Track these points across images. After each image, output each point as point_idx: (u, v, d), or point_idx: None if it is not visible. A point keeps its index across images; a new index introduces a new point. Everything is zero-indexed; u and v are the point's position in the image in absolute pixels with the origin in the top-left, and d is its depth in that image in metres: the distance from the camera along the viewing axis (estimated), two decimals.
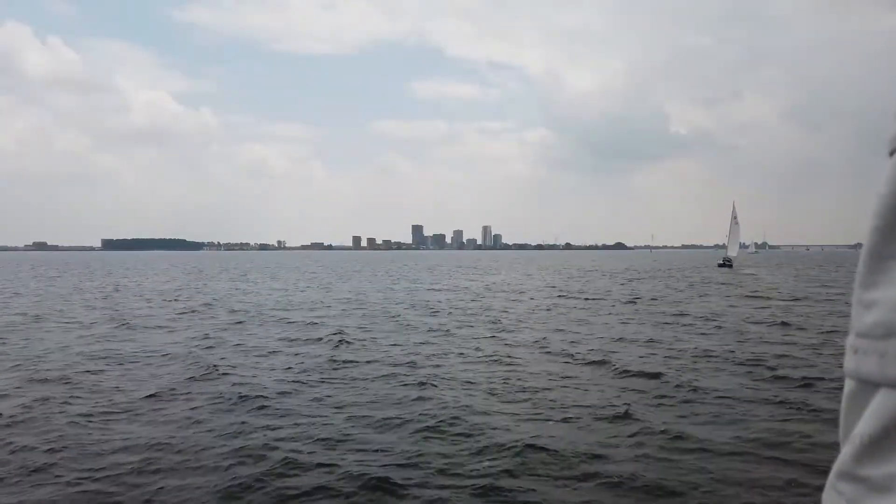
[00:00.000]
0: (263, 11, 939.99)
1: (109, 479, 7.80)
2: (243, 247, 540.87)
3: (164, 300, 34.65)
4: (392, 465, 8.10)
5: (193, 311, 27.65)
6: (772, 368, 13.94)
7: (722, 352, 16.04)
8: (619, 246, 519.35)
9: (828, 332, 19.69)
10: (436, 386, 12.28)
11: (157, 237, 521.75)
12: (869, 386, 0.60)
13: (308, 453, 8.55)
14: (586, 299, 33.51)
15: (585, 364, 14.46)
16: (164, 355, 16.32)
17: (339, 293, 39.94)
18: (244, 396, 11.60)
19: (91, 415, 10.55)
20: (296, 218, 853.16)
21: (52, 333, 20.81)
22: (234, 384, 12.75)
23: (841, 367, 0.63)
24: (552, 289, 43.36)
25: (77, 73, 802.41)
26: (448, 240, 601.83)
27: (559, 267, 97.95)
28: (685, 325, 21.97)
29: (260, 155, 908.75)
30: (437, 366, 14.39)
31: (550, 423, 9.87)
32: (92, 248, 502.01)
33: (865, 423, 0.59)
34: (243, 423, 9.96)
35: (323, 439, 9.13)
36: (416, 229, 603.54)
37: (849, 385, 0.63)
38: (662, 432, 9.10)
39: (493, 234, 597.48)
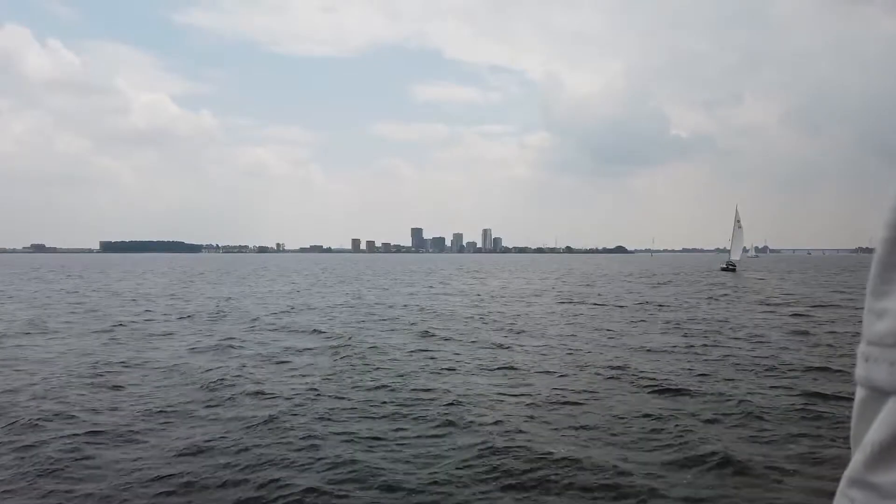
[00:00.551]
0: (263, 14, 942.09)
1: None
2: (242, 249, 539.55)
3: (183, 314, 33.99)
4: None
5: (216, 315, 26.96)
6: (801, 378, 13.37)
7: (750, 362, 15.34)
8: (620, 249, 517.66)
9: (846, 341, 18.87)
10: (463, 405, 11.23)
11: (155, 239, 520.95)
12: (880, 394, 0.60)
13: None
14: (599, 305, 32.69)
15: (620, 378, 13.55)
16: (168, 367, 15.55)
17: (348, 298, 39.19)
18: (266, 413, 10.81)
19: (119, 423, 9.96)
20: (295, 220, 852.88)
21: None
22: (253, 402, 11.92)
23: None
24: (561, 293, 42.59)
25: (77, 75, 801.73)
26: (448, 243, 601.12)
27: (563, 271, 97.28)
28: (703, 332, 21.17)
29: (259, 157, 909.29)
30: (463, 382, 13.25)
31: (593, 443, 9.08)
32: (90, 251, 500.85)
33: (876, 431, 0.59)
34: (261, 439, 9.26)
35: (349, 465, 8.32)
36: (416, 232, 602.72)
37: (860, 393, 0.64)
38: (733, 460, 8.30)
39: (493, 237, 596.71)
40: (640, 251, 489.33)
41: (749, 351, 17.06)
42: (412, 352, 16.89)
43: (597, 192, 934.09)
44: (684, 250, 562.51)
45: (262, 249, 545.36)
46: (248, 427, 9.73)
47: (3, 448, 9.06)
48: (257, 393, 12.05)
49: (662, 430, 9.42)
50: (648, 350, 17.37)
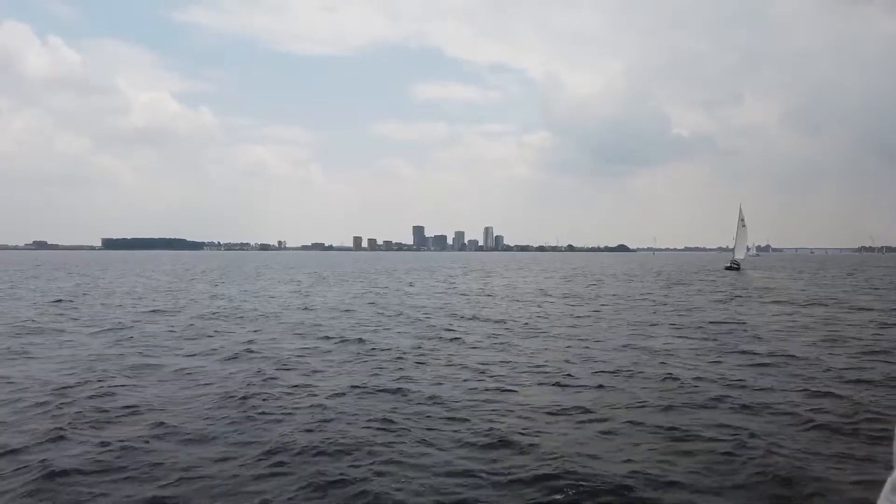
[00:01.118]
0: (263, 13, 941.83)
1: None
2: (244, 247, 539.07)
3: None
4: None
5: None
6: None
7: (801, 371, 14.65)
8: (622, 248, 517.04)
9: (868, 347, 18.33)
10: (502, 422, 10.86)
11: (157, 237, 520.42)
12: None
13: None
14: (621, 307, 32.03)
15: (675, 390, 12.85)
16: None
17: (361, 298, 39.01)
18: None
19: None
20: (296, 218, 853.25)
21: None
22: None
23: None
24: (576, 294, 42.16)
25: (78, 73, 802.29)
26: (449, 241, 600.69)
27: (568, 269, 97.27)
28: (739, 337, 20.32)
29: (260, 156, 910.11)
30: (496, 392, 12.79)
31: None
32: (92, 248, 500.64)
33: None
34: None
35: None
36: (417, 230, 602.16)
37: None
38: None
39: (494, 235, 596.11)
40: (642, 250, 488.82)
41: (790, 357, 16.41)
42: (457, 367, 15.60)
43: (598, 191, 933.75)
44: (686, 249, 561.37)
45: (264, 247, 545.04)
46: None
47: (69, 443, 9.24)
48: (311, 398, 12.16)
49: (734, 455, 8.83)
50: (691, 357, 16.65)
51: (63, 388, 12.70)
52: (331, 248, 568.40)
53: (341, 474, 7.99)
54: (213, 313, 27.78)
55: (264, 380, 13.58)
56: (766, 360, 16.02)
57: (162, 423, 10.20)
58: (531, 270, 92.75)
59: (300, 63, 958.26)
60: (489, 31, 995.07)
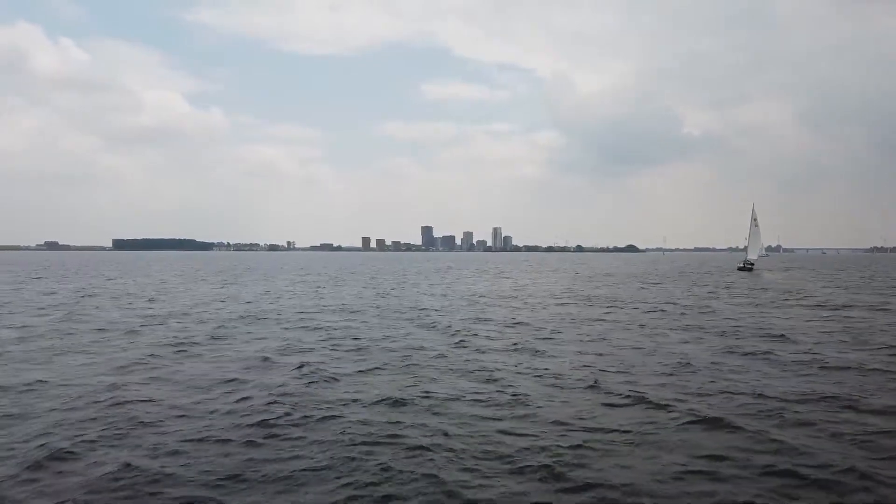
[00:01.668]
0: (269, 12, 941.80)
1: None
2: (252, 247, 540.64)
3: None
4: None
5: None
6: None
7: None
8: (631, 248, 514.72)
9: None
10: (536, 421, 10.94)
11: (167, 237, 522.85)
12: None
13: None
14: (640, 310, 31.30)
15: (731, 405, 12.04)
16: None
17: (385, 301, 38.93)
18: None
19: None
20: (305, 218, 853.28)
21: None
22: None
23: None
24: (599, 297, 41.69)
25: (87, 73, 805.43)
26: (458, 241, 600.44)
27: (581, 271, 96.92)
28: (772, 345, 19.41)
29: (268, 156, 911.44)
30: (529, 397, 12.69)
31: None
32: (103, 248, 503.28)
33: None
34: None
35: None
36: (426, 230, 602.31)
37: None
38: None
39: (503, 235, 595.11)
40: (652, 250, 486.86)
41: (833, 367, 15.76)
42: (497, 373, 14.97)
43: (607, 191, 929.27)
44: (696, 249, 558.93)
45: (273, 247, 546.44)
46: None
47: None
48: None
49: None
50: (735, 365, 16.12)
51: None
52: (339, 248, 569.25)
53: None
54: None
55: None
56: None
57: None
58: (548, 271, 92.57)
59: (306, 62, 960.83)
60: (496, 31, 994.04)
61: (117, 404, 11.73)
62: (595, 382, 13.78)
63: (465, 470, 8.51)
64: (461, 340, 20.10)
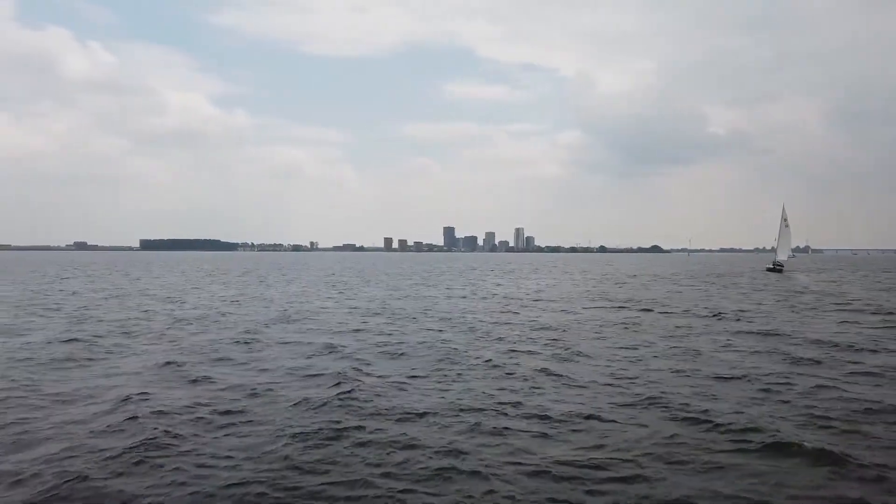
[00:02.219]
0: (293, 14, 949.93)
1: None
2: (276, 247, 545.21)
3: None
4: None
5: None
6: None
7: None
8: (656, 249, 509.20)
9: None
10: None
11: (192, 237, 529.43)
12: None
13: None
14: (666, 314, 30.55)
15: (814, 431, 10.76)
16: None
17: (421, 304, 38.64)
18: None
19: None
20: (327, 219, 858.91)
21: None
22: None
23: None
24: (630, 300, 41.08)
25: (115, 76, 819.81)
26: (480, 242, 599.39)
27: (607, 272, 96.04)
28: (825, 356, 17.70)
29: (292, 157, 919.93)
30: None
31: None
32: (130, 248, 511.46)
33: None
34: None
35: None
36: (448, 231, 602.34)
37: None
38: None
39: (525, 236, 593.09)
40: (677, 251, 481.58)
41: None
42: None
43: (630, 190, 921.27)
44: (722, 250, 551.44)
45: (297, 248, 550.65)
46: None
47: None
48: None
49: None
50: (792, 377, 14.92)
51: None
52: (362, 248, 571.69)
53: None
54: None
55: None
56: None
57: None
58: (578, 272, 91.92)
59: (329, 64, 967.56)
60: (518, 31, 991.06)
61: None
62: (686, 409, 11.95)
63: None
64: (510, 349, 19.20)
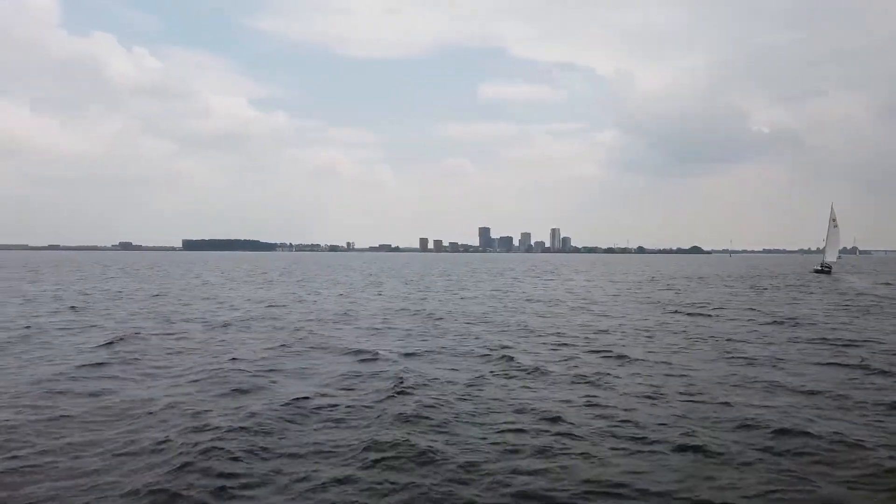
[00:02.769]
0: (330, 18, 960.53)
1: None
2: (314, 248, 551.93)
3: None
4: None
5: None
6: None
7: None
8: (696, 250, 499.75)
9: None
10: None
11: (233, 238, 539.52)
12: None
13: None
14: (721, 318, 29.48)
15: None
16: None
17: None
18: None
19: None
20: (364, 220, 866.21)
21: None
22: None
23: None
24: (679, 304, 40.21)
25: (160, 80, 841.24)
26: (515, 242, 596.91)
27: (651, 273, 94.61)
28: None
29: (329, 158, 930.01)
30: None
31: None
32: (173, 248, 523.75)
33: None
34: None
35: None
36: (483, 231, 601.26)
37: None
38: None
39: (561, 236, 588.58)
40: (718, 251, 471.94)
41: None
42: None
43: (669, 190, 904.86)
44: (765, 251, 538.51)
45: (333, 248, 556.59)
46: None
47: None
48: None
49: None
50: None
51: None
52: (397, 249, 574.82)
53: None
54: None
55: None
56: None
57: None
58: (621, 273, 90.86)
59: (366, 65, 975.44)
60: (555, 30, 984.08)
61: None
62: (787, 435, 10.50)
63: None
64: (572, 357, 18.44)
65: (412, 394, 13.02)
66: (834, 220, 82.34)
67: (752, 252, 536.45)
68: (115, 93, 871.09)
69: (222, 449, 9.37)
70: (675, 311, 32.05)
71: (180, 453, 9.21)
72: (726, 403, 12.55)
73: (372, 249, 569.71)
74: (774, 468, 9.01)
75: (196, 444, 9.54)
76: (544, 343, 20.85)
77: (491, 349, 19.16)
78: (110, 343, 19.73)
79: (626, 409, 12.09)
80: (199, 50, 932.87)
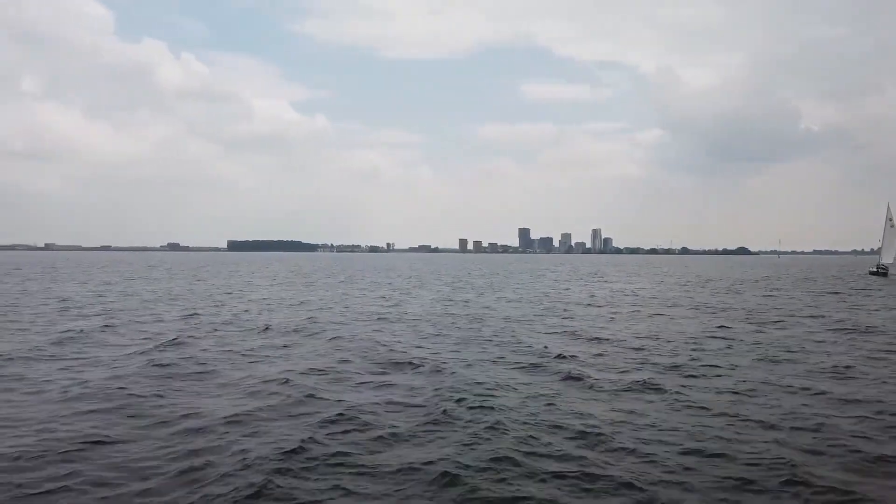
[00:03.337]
0: (372, 20, 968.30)
1: None
2: (354, 248, 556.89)
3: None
4: None
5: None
6: None
7: None
8: (742, 251, 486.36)
9: None
10: None
11: (276, 239, 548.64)
12: None
13: None
14: (782, 325, 28.38)
15: None
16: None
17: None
18: None
19: None
20: (404, 220, 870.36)
21: None
22: None
23: None
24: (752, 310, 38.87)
25: (207, 85, 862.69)
26: (555, 243, 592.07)
27: (694, 274, 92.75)
28: None
29: (370, 160, 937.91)
30: None
31: None
32: (218, 249, 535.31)
33: None
34: None
35: None
36: (523, 232, 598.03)
37: None
38: None
39: (602, 237, 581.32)
40: (765, 253, 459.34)
41: None
42: None
43: (715, 190, 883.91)
44: (815, 252, 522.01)
45: (373, 249, 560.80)
46: None
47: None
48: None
49: None
50: None
51: None
52: (436, 250, 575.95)
53: None
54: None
55: None
56: None
57: None
58: (677, 276, 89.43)
59: (407, 67, 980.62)
60: (596, 28, 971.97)
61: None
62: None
63: None
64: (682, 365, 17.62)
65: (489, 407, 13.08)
66: (891, 219, 79.43)
67: (802, 253, 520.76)
68: (163, 97, 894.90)
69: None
70: (744, 320, 31.50)
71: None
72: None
73: (411, 250, 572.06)
74: None
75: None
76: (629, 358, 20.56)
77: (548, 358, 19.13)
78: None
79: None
80: (244, 54, 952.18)
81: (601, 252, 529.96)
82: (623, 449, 9.84)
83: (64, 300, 37.07)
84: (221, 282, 61.08)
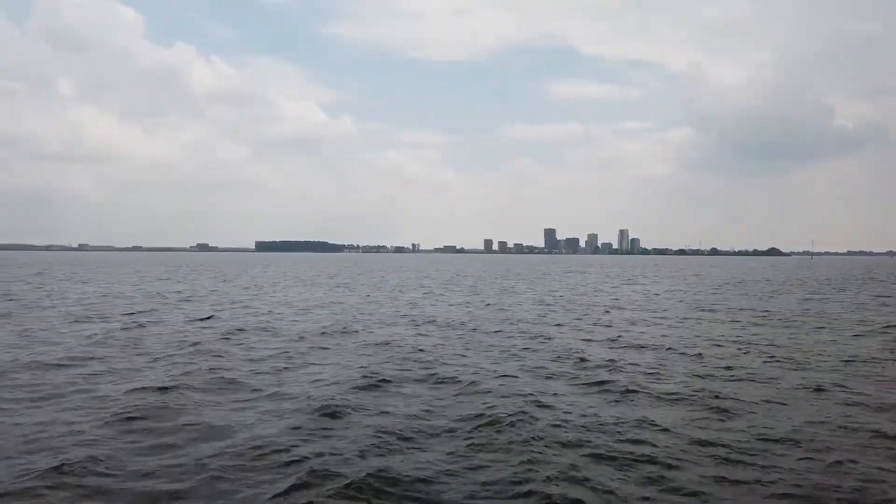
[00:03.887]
0: (400, 22, 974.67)
1: None
2: (380, 249, 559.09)
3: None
4: None
5: None
6: None
7: None
8: (774, 252, 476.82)
9: None
10: None
11: (302, 239, 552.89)
12: None
13: None
14: (834, 332, 26.17)
15: None
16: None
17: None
18: None
19: None
20: (429, 221, 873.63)
21: None
22: None
23: None
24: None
25: (236, 87, 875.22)
26: (582, 244, 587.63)
27: (730, 276, 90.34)
28: None
29: (396, 161, 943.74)
30: None
31: None
32: (246, 250, 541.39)
33: None
34: None
35: None
36: (549, 233, 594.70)
37: None
38: None
39: (629, 237, 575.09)
40: (797, 254, 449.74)
41: None
42: None
43: (745, 190, 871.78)
44: (849, 253, 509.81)
45: (399, 249, 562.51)
46: None
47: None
48: None
49: None
50: None
51: None
52: (462, 250, 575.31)
53: None
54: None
55: None
56: None
57: None
58: (705, 277, 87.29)
59: (434, 68, 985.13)
60: (625, 27, 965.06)
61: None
62: None
63: None
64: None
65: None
66: None
67: (835, 254, 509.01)
68: (194, 100, 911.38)
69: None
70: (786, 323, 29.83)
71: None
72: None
73: (436, 251, 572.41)
74: None
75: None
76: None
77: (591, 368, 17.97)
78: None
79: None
80: (272, 57, 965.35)
81: (628, 253, 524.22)
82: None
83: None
84: (268, 281, 60.81)
